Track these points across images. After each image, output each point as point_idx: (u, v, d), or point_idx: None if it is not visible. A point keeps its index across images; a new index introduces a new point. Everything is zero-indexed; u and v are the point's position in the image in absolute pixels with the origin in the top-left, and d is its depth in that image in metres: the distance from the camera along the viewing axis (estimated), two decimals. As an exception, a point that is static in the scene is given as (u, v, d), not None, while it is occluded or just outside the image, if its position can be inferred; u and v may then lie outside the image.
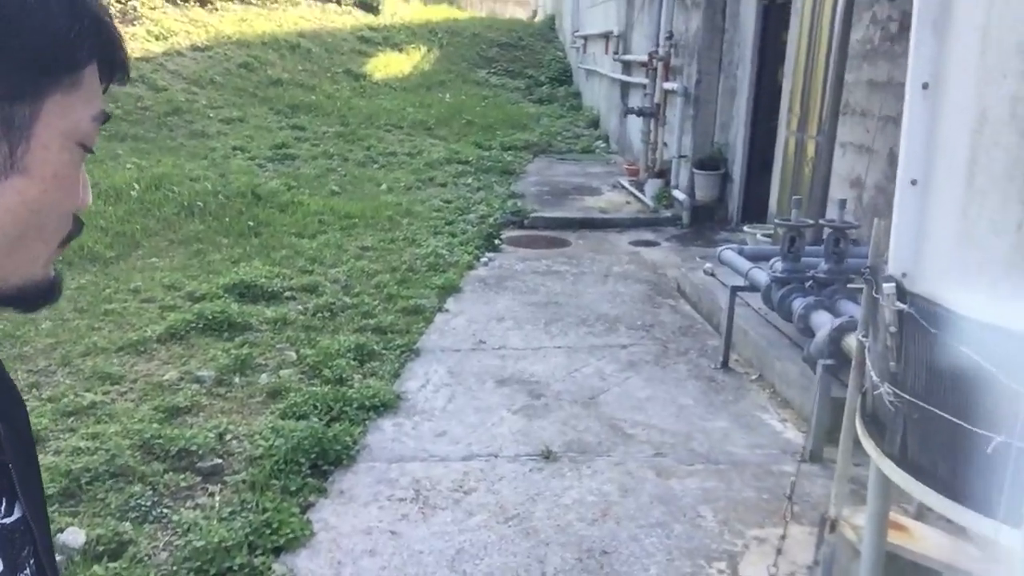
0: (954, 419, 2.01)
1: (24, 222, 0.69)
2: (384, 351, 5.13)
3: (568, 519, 3.51)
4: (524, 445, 4.11)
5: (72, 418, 4.05)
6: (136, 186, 8.36)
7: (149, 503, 3.42)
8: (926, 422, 2.14)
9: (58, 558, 2.98)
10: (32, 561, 0.75)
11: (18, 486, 0.74)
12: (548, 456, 3.99)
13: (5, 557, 0.70)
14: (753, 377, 5.03)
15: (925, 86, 2.05)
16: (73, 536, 3.09)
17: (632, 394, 4.74)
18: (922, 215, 2.10)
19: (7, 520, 0.72)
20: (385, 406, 4.41)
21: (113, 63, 0.75)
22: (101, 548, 3.08)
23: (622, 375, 5.00)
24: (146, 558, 3.08)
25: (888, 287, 2.37)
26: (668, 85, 9.97)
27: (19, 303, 0.74)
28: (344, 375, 4.70)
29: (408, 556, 3.24)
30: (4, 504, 0.72)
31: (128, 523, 3.27)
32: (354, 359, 4.94)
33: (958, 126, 1.97)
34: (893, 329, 2.33)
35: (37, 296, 0.75)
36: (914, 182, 2.09)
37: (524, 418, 4.40)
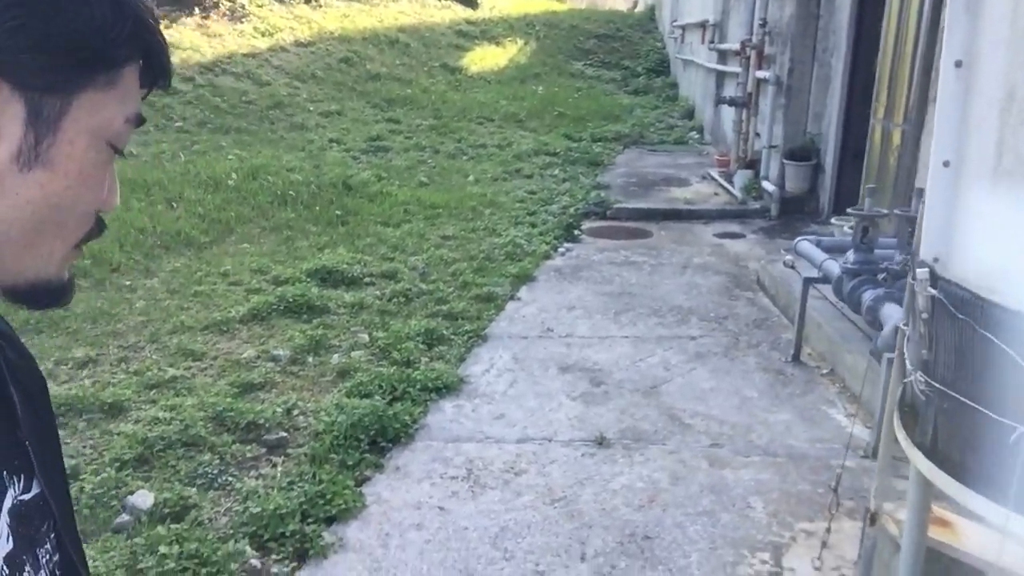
0: (979, 407, 1.96)
1: (43, 216, 0.68)
2: (453, 336, 5.25)
3: (614, 504, 3.52)
4: (579, 431, 4.14)
5: (154, 390, 4.31)
6: (234, 175, 8.76)
7: (216, 471, 3.63)
8: (954, 411, 2.08)
9: (126, 518, 3.20)
10: (52, 536, 0.76)
11: (36, 463, 0.74)
12: (602, 442, 4.01)
13: (20, 533, 0.71)
14: (824, 371, 4.90)
15: (958, 64, 1.99)
16: (142, 498, 3.31)
17: (695, 385, 4.70)
18: (953, 197, 2.05)
19: (25, 496, 0.72)
20: (448, 388, 4.52)
21: (155, 67, 0.74)
22: (167, 511, 3.29)
23: (687, 366, 4.96)
24: (207, 521, 3.27)
25: (921, 272, 2.30)
26: (761, 74, 9.74)
27: (29, 300, 0.73)
28: (412, 358, 4.83)
29: (453, 531, 3.33)
30: (22, 480, 0.72)
31: (194, 489, 3.47)
32: (423, 343, 5.07)
33: (988, 105, 1.91)
34: (925, 316, 2.27)
35: (48, 295, 0.74)
36: (946, 163, 2.04)
37: (582, 404, 4.43)
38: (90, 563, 2.88)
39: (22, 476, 0.72)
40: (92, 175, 0.71)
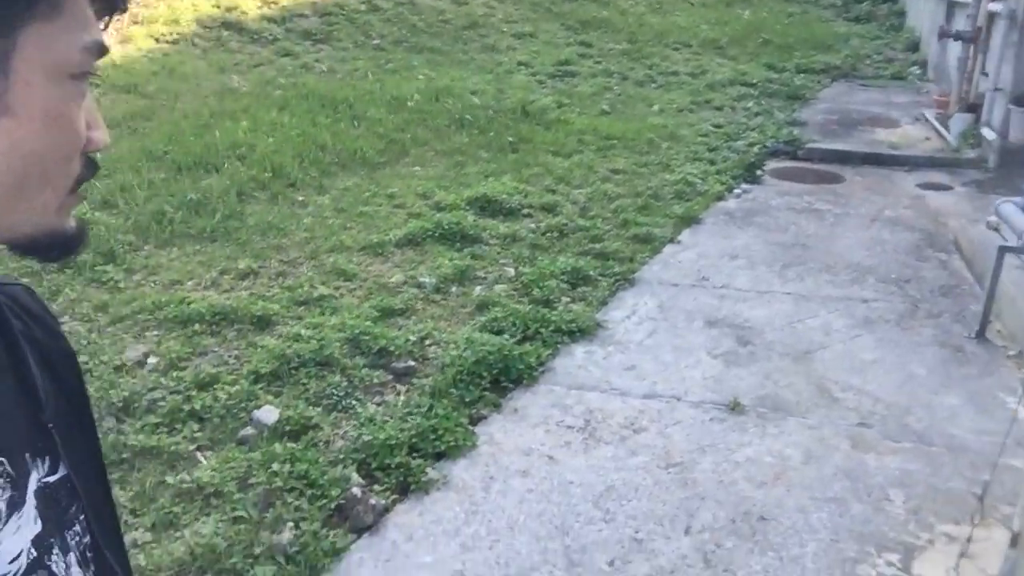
0: None
1: (20, 168, 0.64)
2: (600, 277, 5.08)
3: (734, 477, 3.30)
4: (712, 392, 3.90)
5: (302, 307, 4.49)
6: (416, 96, 8.88)
7: (342, 393, 3.73)
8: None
9: (250, 431, 3.36)
10: (82, 517, 0.76)
11: (61, 445, 0.74)
12: (734, 408, 3.76)
13: (49, 515, 0.71)
14: (1011, 352, 4.33)
15: None
16: (268, 413, 3.47)
17: (855, 355, 4.29)
18: None
19: (51, 478, 0.72)
20: (582, 332, 4.39)
21: None
22: (288, 428, 3.42)
23: (851, 332, 4.53)
24: (322, 444, 3.38)
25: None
26: (994, 6, 8.56)
27: (35, 253, 0.71)
28: (552, 297, 4.73)
29: (557, 483, 3.25)
30: (48, 462, 0.72)
31: (319, 409, 3.59)
32: (567, 282, 4.95)
33: None
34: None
35: (52, 246, 0.70)
36: None
37: (722, 364, 4.17)
38: (209, 473, 3.04)
39: (47, 458, 0.72)
40: (62, 114, 0.65)
